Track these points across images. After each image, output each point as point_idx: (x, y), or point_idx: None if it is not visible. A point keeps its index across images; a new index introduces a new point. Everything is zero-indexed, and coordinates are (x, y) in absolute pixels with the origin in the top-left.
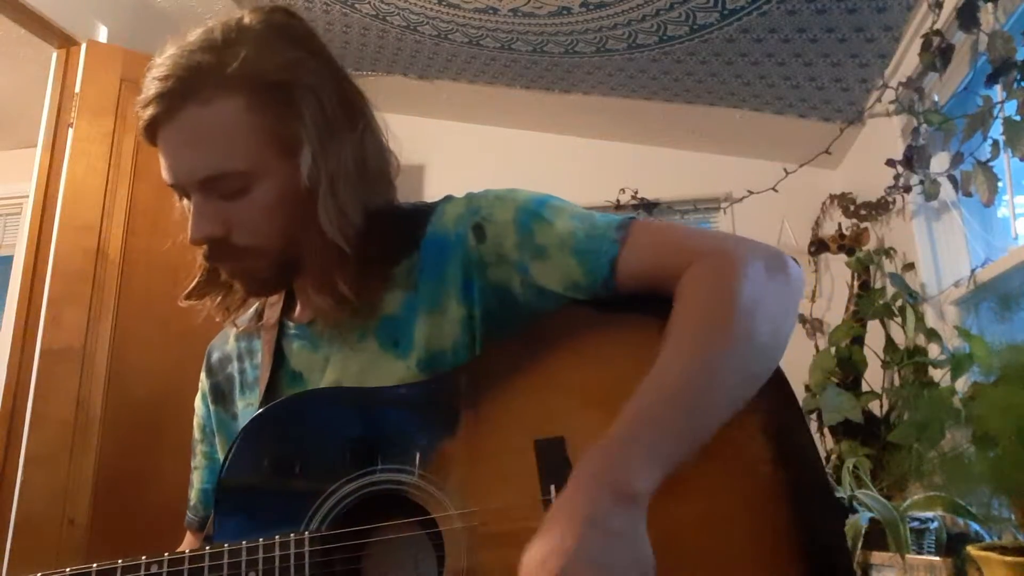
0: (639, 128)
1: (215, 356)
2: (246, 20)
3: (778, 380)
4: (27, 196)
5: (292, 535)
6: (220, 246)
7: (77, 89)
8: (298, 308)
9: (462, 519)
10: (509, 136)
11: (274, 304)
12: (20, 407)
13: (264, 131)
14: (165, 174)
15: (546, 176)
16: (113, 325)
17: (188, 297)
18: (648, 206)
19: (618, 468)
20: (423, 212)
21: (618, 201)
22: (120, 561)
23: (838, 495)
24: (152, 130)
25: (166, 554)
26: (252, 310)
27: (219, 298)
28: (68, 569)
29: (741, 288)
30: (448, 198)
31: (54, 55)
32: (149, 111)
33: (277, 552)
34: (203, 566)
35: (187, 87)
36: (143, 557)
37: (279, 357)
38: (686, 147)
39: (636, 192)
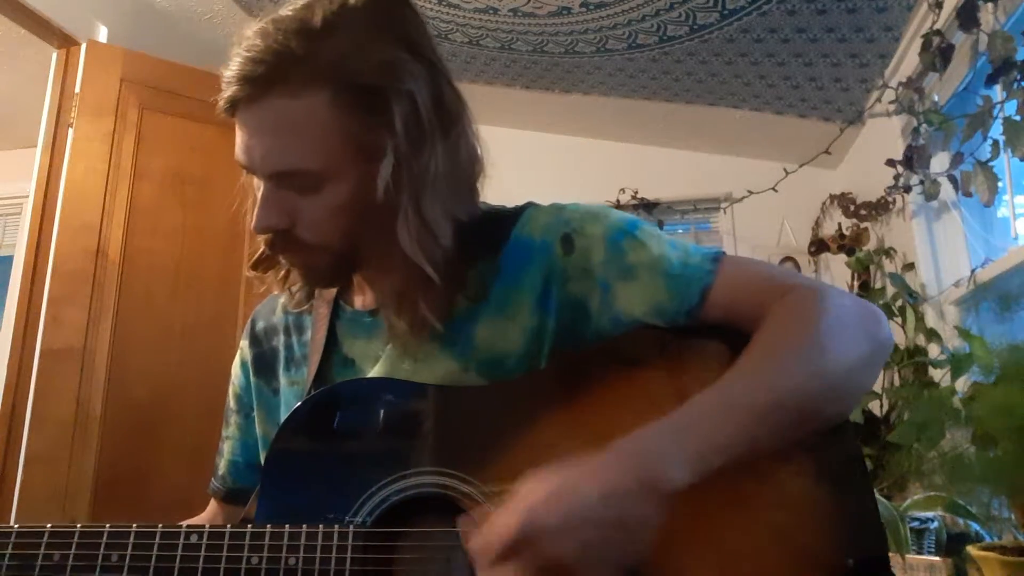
0: (639, 128)
1: (260, 325)
2: (352, 1)
3: (845, 431)
4: (27, 196)
5: (336, 526)
6: (283, 238)
7: (77, 89)
8: (356, 291)
9: None
10: (509, 136)
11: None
12: (20, 407)
13: (347, 134)
14: (238, 153)
15: (546, 176)
16: (113, 325)
17: (254, 268)
18: (648, 206)
19: (656, 461)
20: (506, 217)
21: (618, 201)
22: (160, 526)
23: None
24: (232, 109)
25: (207, 526)
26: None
27: (281, 271)
28: (108, 525)
29: (824, 326)
30: (533, 204)
31: (54, 55)
32: (232, 90)
33: (320, 541)
34: (243, 543)
35: (276, 74)
36: (183, 524)
37: (331, 339)
38: (686, 147)
39: (636, 192)
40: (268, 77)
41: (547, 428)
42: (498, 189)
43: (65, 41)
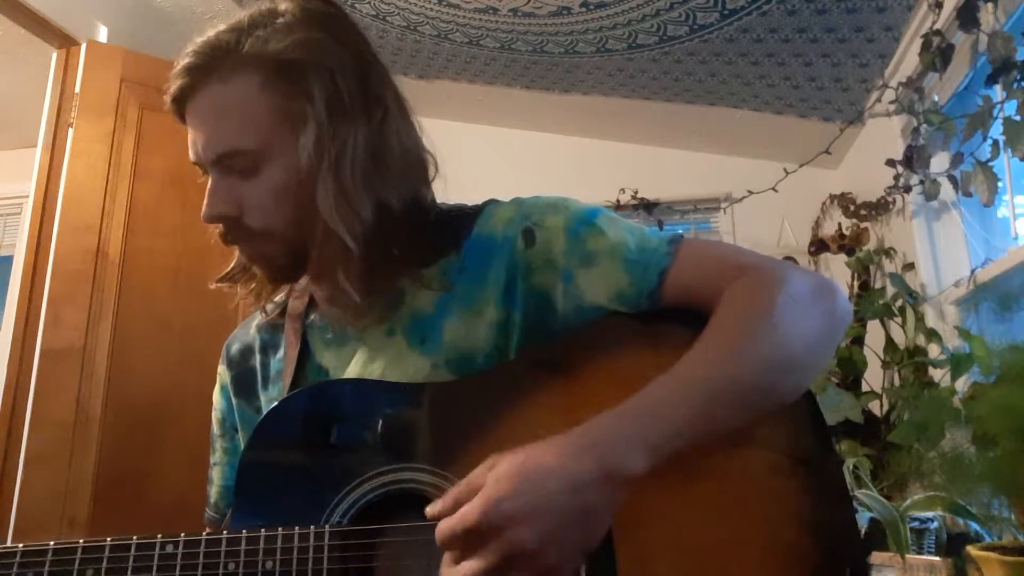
0: (639, 128)
1: (235, 347)
2: (280, 6)
3: (809, 403)
4: (27, 196)
5: (312, 527)
6: (233, 227)
7: (77, 89)
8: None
9: None
10: (509, 136)
11: (299, 296)
12: (20, 407)
13: (275, 110)
14: (190, 152)
15: (546, 176)
16: (113, 325)
17: (220, 281)
18: (648, 206)
19: (616, 447)
20: (467, 214)
21: (618, 201)
22: (135, 537)
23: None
24: (180, 104)
25: (182, 535)
26: (279, 299)
27: (251, 285)
28: (82, 540)
29: (778, 302)
30: (494, 201)
31: (54, 55)
32: (175, 84)
33: (296, 543)
34: (219, 550)
35: (209, 63)
36: (158, 535)
37: (304, 351)
38: (686, 147)
39: (636, 192)
40: (203, 67)
41: (518, 419)
42: (498, 189)
43: (65, 41)
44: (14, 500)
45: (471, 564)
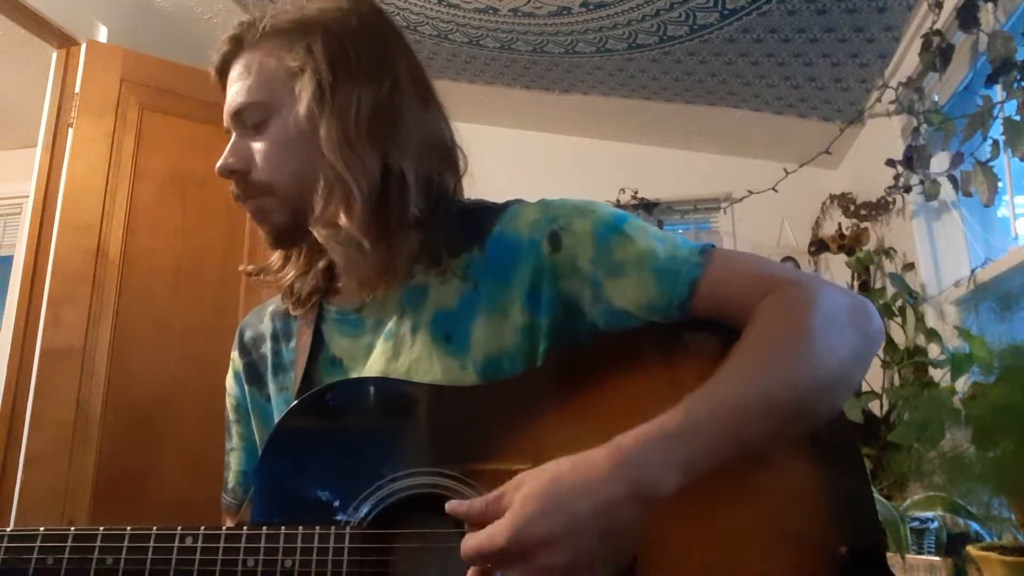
0: (639, 128)
1: (248, 334)
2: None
3: (843, 425)
4: (27, 196)
5: (332, 528)
6: (242, 182)
7: (77, 89)
8: (340, 294)
9: None
10: (509, 136)
11: (314, 291)
12: (20, 407)
13: (281, 65)
14: (224, 119)
15: (546, 176)
16: (113, 325)
17: (252, 273)
18: (648, 206)
19: (647, 466)
20: (490, 210)
21: (618, 201)
22: (155, 528)
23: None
24: (221, 75)
25: (202, 528)
26: (296, 290)
27: (273, 275)
28: (102, 528)
29: (814, 320)
30: (519, 201)
31: (54, 55)
32: (217, 54)
33: (316, 543)
34: (239, 546)
35: (243, 34)
36: (178, 527)
37: (317, 341)
38: (686, 147)
39: (636, 192)
40: (239, 38)
41: (544, 427)
42: (499, 189)
43: (65, 41)
44: (14, 500)
45: None
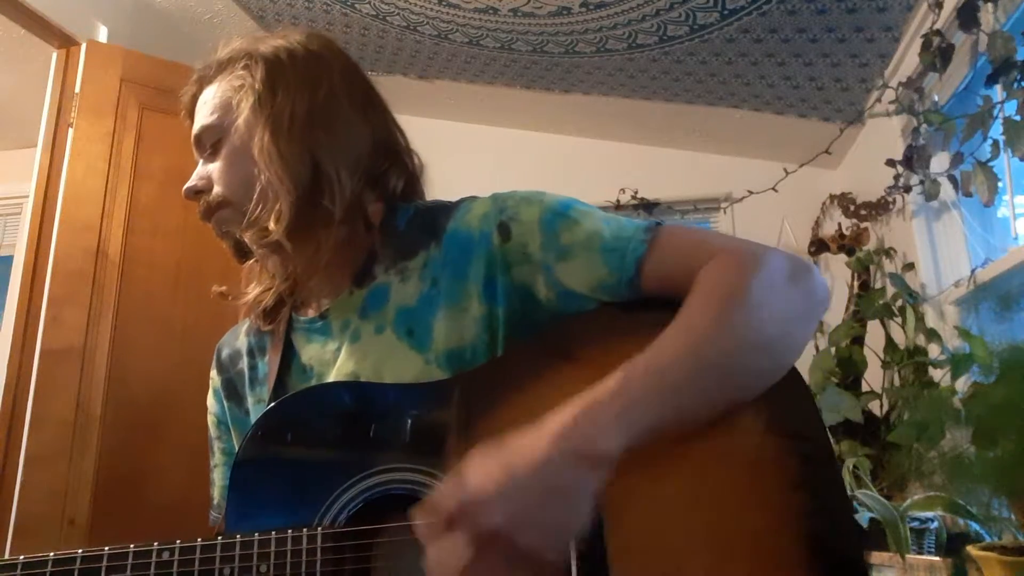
0: (639, 128)
1: (225, 352)
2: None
3: (794, 381)
4: (27, 196)
5: (305, 529)
6: (203, 201)
7: (77, 89)
8: (307, 304)
9: None
10: (509, 136)
11: (280, 303)
12: (20, 407)
13: (230, 88)
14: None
15: (546, 176)
16: (113, 325)
17: (219, 296)
18: (648, 206)
19: (587, 427)
20: (444, 208)
21: (618, 201)
22: (132, 546)
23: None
24: (190, 113)
25: (178, 541)
26: (262, 304)
27: (240, 296)
28: (80, 551)
29: (751, 283)
30: (471, 197)
31: (54, 55)
32: (187, 93)
33: (289, 546)
34: (215, 556)
35: (206, 73)
36: (155, 543)
37: (288, 351)
38: (686, 147)
39: (636, 192)
40: (202, 76)
41: (504, 416)
42: (498, 189)
43: (65, 41)
44: (14, 500)
45: (445, 550)
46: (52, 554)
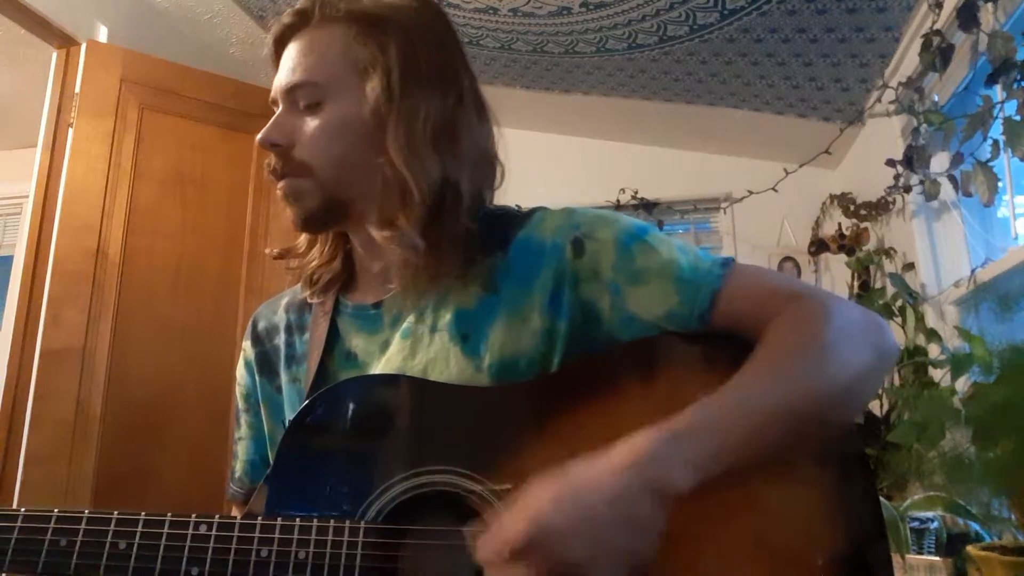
0: (639, 128)
1: (262, 325)
2: None
3: (851, 439)
4: (27, 196)
5: (347, 521)
6: (281, 157)
7: (77, 89)
8: (358, 289)
9: None
10: (509, 136)
11: (333, 280)
12: (20, 407)
13: (349, 53)
14: (273, 90)
15: (546, 176)
16: (113, 325)
17: (277, 256)
18: (648, 206)
19: (660, 463)
20: (515, 216)
21: (618, 201)
22: (169, 514)
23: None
24: (279, 44)
25: (217, 516)
26: (316, 278)
27: (298, 262)
28: (116, 512)
29: (827, 334)
30: (543, 208)
31: (54, 55)
32: (280, 23)
33: (330, 536)
34: (253, 536)
35: (313, 10)
36: (192, 515)
37: (332, 334)
38: (686, 147)
39: (636, 192)
40: (306, 12)
41: (558, 431)
42: (499, 189)
43: (65, 41)
44: (14, 500)
45: None
46: (87, 511)
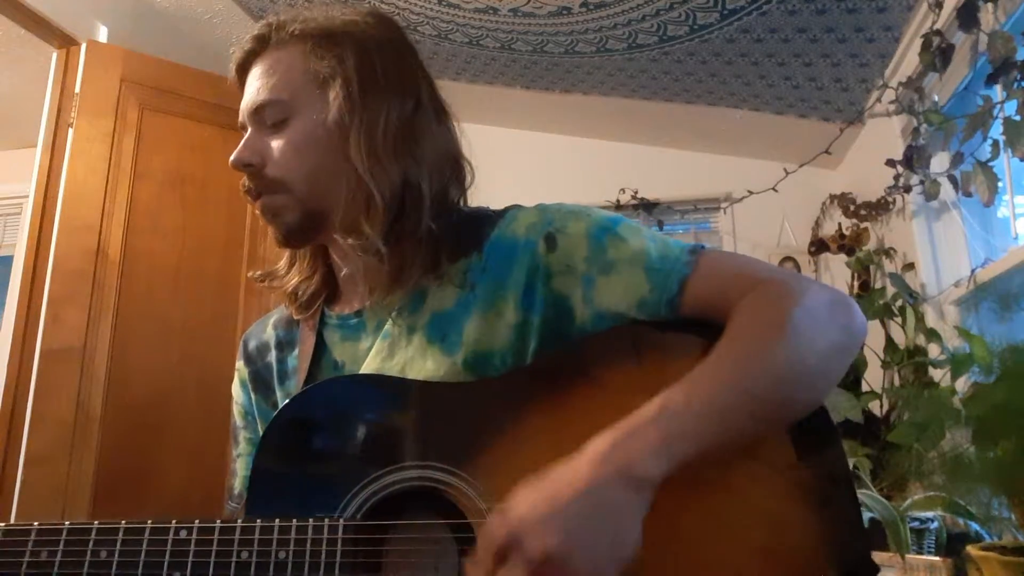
0: (639, 128)
1: (252, 344)
2: (344, 6)
3: (822, 418)
4: (27, 196)
5: (326, 519)
6: (255, 177)
7: (77, 89)
8: (341, 301)
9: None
10: (509, 136)
11: (316, 294)
12: (20, 407)
13: (309, 69)
14: (240, 112)
15: (546, 176)
16: (113, 325)
17: (259, 278)
18: (648, 206)
19: (629, 451)
20: (489, 216)
21: (618, 201)
22: (149, 521)
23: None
24: (242, 72)
25: (196, 520)
26: (299, 294)
27: (280, 282)
28: (96, 522)
29: (793, 315)
30: (517, 206)
31: (54, 55)
32: (241, 50)
33: (310, 535)
34: (233, 538)
35: (270, 34)
36: (172, 520)
37: (320, 347)
38: (686, 147)
39: (636, 192)
40: (264, 37)
41: (531, 423)
42: (499, 188)
43: (65, 41)
44: (14, 500)
45: None
46: (67, 523)
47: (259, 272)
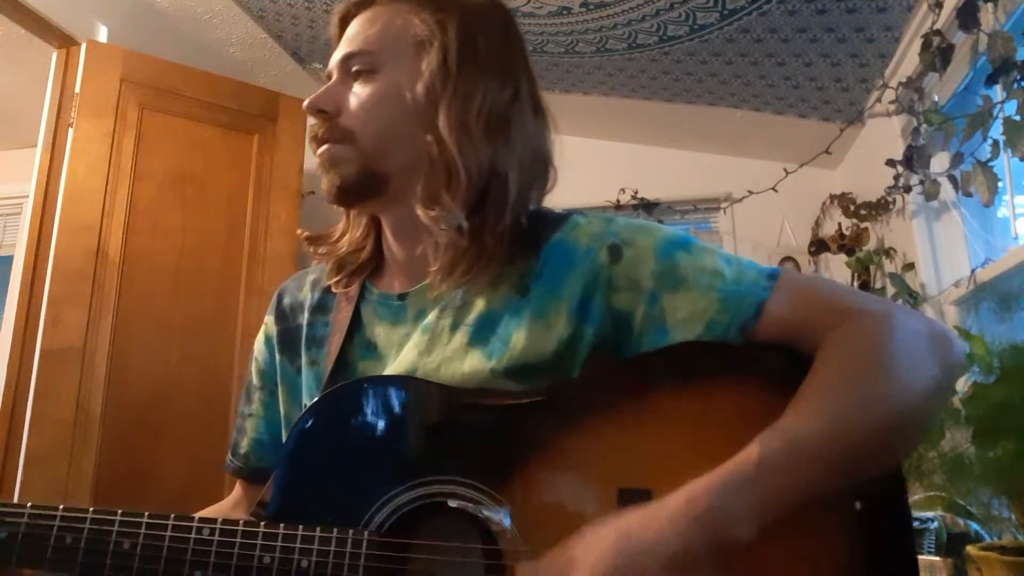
0: (639, 128)
1: (287, 300)
2: None
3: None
4: (27, 196)
5: (351, 532)
6: (326, 123)
7: (77, 89)
8: (385, 277)
9: (529, 554)
10: None
11: (361, 268)
12: (20, 407)
13: (409, 29)
14: (331, 61)
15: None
16: (113, 325)
17: (308, 239)
18: (648, 206)
19: (722, 515)
20: (551, 219)
21: (618, 201)
22: (172, 516)
23: None
24: (345, 20)
25: (219, 520)
26: (345, 265)
27: (327, 248)
28: (120, 511)
29: (892, 354)
30: (580, 212)
31: (54, 55)
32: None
33: (333, 547)
34: (256, 542)
35: None
36: (195, 517)
37: (355, 321)
38: (686, 147)
39: (636, 192)
40: None
41: (574, 444)
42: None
43: (65, 41)
44: (14, 500)
45: None
46: (92, 510)
47: (309, 233)
